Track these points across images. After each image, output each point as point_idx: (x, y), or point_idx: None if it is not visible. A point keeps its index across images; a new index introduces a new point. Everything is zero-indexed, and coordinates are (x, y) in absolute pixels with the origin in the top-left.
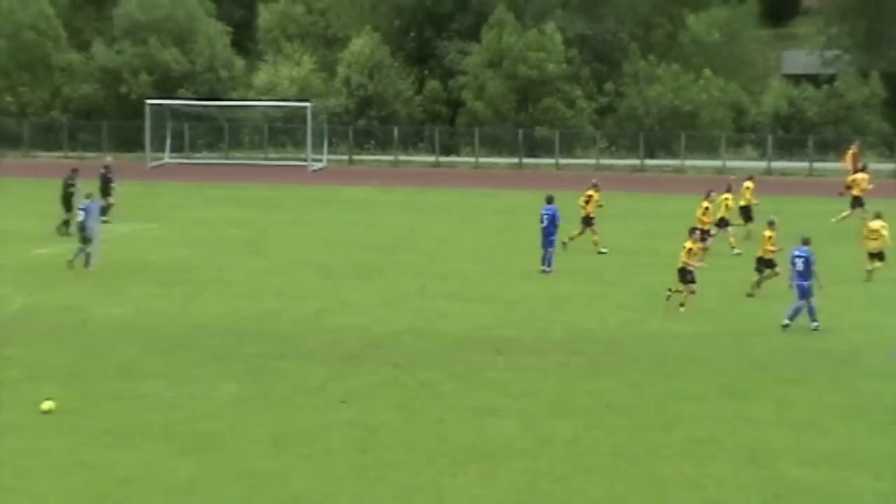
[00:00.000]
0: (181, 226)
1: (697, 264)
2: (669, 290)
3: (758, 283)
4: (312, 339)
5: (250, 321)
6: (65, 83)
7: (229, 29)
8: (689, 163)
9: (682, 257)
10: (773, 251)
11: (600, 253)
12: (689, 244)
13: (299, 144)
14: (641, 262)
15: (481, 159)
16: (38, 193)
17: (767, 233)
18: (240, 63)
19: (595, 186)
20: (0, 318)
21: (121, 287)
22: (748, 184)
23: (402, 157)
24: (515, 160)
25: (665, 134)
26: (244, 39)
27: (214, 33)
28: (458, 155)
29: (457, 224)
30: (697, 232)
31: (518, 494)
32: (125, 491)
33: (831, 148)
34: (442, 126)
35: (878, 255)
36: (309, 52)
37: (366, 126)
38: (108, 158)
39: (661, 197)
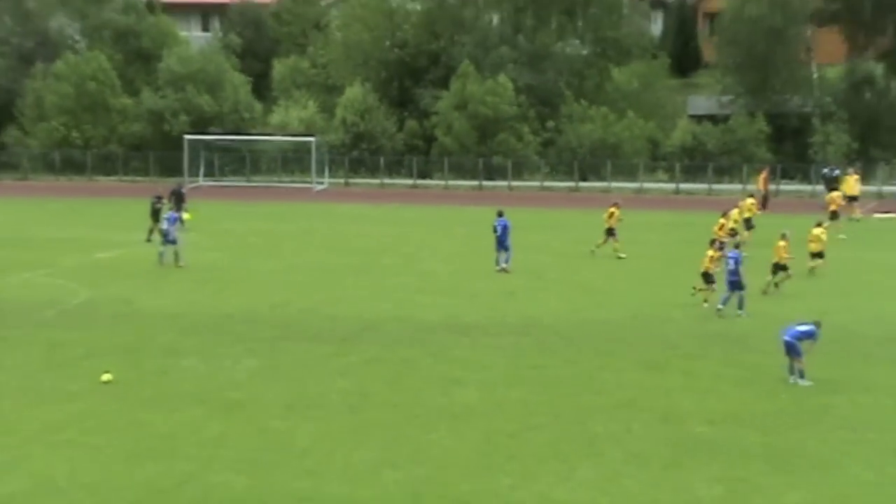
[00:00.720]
0: (212, 234)
1: (715, 268)
2: (694, 288)
3: (775, 284)
4: (315, 325)
5: (266, 310)
6: (119, 122)
7: (250, 79)
8: (613, 184)
9: (705, 263)
10: (787, 258)
11: (619, 258)
12: (710, 252)
13: (306, 170)
14: (576, 264)
15: (450, 182)
16: (98, 210)
17: (782, 243)
18: (258, 106)
19: (616, 205)
20: (68, 307)
21: (164, 283)
22: (751, 200)
23: (387, 181)
24: (476, 183)
25: (595, 161)
26: (262, 87)
27: (238, 83)
28: (432, 179)
29: (430, 234)
30: (717, 243)
31: (478, 447)
32: (167, 444)
33: (726, 173)
34: (418, 156)
35: (818, 255)
36: (313, 98)
37: (358, 156)
38: (180, 183)
39: (591, 211)
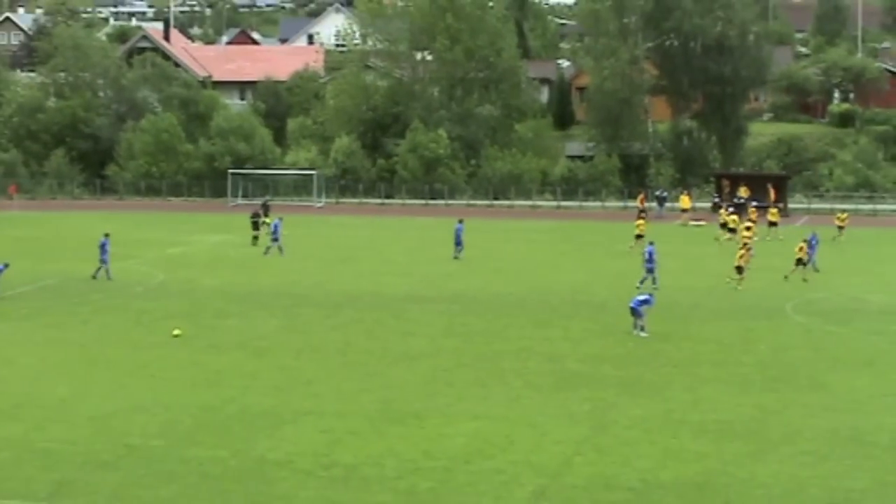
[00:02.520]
0: (244, 236)
1: (745, 264)
2: (729, 278)
3: (795, 273)
4: (316, 296)
5: (284, 287)
6: (184, 161)
7: (271, 131)
8: (516, 202)
9: (738, 258)
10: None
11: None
12: (742, 251)
13: (310, 193)
14: (492, 255)
15: (407, 201)
16: (169, 220)
17: (801, 244)
18: (277, 150)
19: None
20: (150, 285)
21: (214, 270)
22: (773, 209)
23: (364, 200)
24: (424, 202)
25: (504, 186)
26: (280, 137)
27: (264, 134)
28: (394, 199)
29: (393, 236)
30: (746, 244)
31: (426, 379)
32: (217, 377)
33: (591, 194)
34: (385, 183)
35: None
36: (315, 145)
37: (344, 183)
38: (263, 200)
39: (503, 221)
